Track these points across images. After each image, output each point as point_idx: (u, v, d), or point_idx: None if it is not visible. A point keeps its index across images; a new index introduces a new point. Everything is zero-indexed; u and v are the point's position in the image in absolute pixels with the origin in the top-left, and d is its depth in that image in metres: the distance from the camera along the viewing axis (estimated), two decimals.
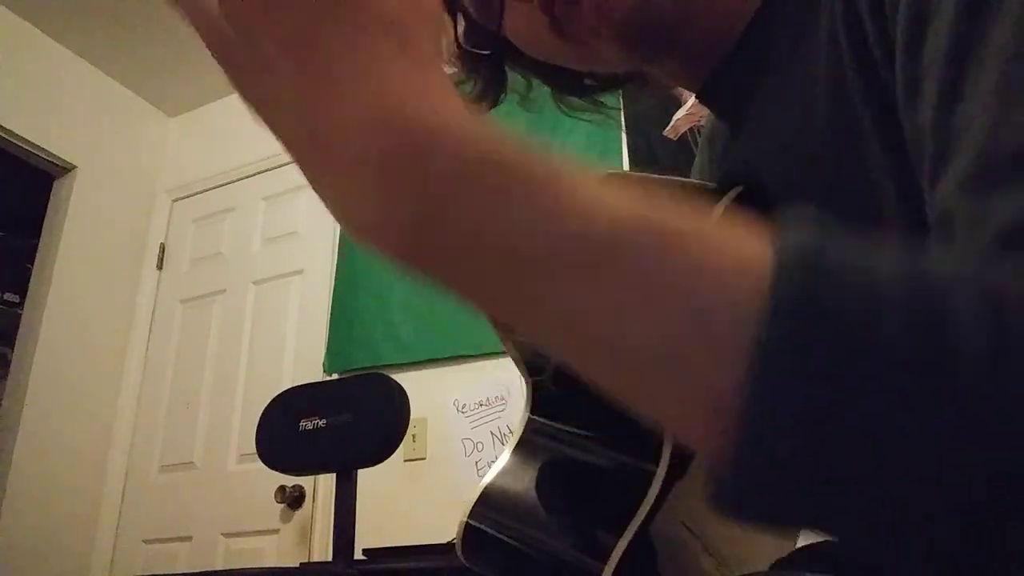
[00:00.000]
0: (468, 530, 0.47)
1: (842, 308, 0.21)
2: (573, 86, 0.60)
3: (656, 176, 0.52)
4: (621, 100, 0.65)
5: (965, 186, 0.28)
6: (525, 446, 0.50)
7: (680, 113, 1.47)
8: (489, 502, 0.48)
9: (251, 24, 0.25)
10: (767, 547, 0.53)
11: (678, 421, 0.24)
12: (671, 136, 1.56)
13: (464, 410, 2.19)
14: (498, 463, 0.49)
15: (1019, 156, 0.26)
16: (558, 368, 0.48)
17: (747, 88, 0.48)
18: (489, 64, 0.57)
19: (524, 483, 0.48)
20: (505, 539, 0.46)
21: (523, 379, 0.52)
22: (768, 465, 0.21)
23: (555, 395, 0.50)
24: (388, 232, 0.24)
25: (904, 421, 0.20)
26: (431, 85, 0.25)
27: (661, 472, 0.42)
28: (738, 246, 0.23)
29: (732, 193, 0.45)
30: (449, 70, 0.26)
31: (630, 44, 0.47)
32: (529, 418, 0.51)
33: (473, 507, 0.48)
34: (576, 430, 0.49)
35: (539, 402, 0.51)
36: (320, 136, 0.25)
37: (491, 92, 0.58)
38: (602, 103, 0.62)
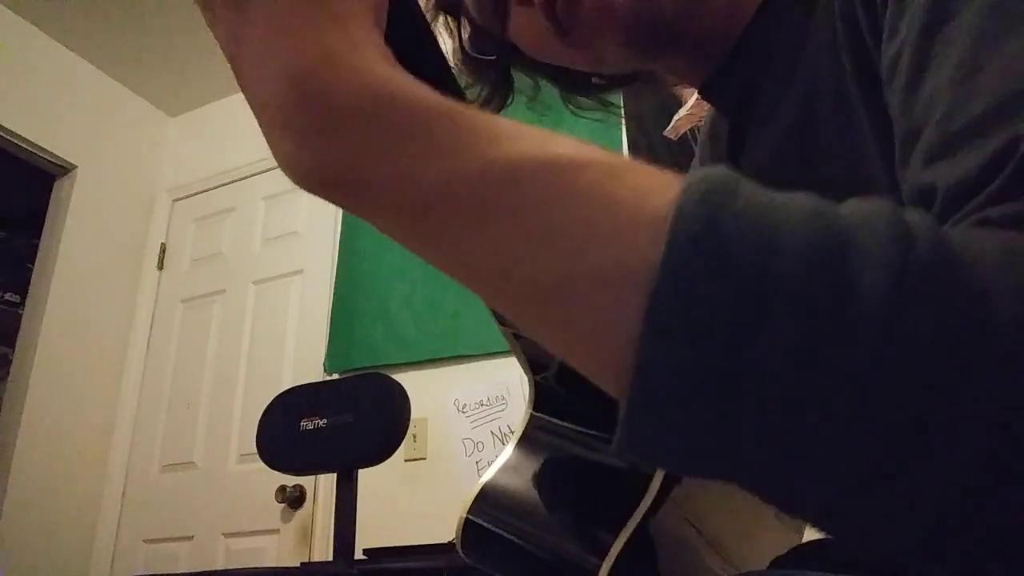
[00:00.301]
0: (468, 525, 0.47)
1: (738, 260, 0.20)
2: (581, 86, 0.59)
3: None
4: (622, 99, 0.65)
5: (927, 162, 0.29)
6: (527, 442, 0.50)
7: (681, 112, 1.47)
8: (489, 498, 0.48)
9: None
10: (773, 543, 0.53)
11: (579, 356, 0.24)
12: (672, 136, 1.56)
13: (464, 410, 2.19)
14: (499, 459, 0.49)
15: (968, 127, 0.27)
16: (562, 365, 0.48)
17: (749, 84, 0.48)
18: (495, 69, 0.56)
19: (525, 479, 0.48)
20: (505, 535, 0.46)
21: (526, 376, 0.52)
22: (668, 416, 0.21)
23: (558, 392, 0.50)
24: (305, 174, 0.26)
25: (798, 361, 0.20)
26: (341, 41, 0.26)
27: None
28: (639, 192, 0.23)
29: None
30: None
31: (632, 43, 0.47)
32: (532, 415, 0.51)
33: (473, 503, 0.48)
34: (578, 427, 0.49)
35: (542, 399, 0.51)
36: (244, 87, 0.28)
37: (497, 97, 0.58)
38: (610, 103, 0.61)
